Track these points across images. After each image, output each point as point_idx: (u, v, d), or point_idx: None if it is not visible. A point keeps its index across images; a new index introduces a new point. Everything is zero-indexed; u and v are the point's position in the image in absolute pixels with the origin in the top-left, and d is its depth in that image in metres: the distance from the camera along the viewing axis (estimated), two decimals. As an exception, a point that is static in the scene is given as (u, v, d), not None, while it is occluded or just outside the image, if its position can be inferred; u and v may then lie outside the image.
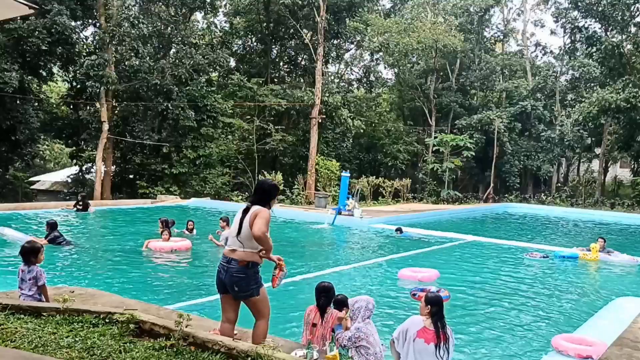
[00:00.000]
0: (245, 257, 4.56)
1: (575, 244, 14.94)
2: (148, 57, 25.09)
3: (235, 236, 4.62)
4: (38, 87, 26.47)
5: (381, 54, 37.05)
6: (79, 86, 26.58)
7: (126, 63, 24.94)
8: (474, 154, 32.04)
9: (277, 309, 7.38)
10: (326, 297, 5.27)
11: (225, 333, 4.62)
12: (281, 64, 37.37)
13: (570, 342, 6.02)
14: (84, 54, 25.51)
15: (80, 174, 29.04)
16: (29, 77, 22.99)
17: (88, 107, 27.37)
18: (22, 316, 4.65)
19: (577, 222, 24.32)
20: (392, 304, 8.38)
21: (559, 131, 34.36)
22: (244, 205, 4.80)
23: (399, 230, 16.09)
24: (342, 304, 5.52)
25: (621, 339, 5.60)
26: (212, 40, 32.25)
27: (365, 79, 42.68)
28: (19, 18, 19.63)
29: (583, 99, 32.56)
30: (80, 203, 17.64)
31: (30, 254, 5.77)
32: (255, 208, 4.62)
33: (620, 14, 30.01)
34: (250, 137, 29.79)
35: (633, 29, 30.75)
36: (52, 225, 11.72)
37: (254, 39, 35.41)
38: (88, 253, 11.45)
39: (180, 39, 26.38)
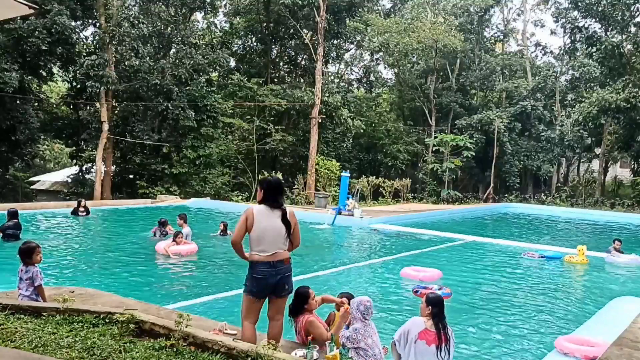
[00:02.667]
0: (287, 256, 4.80)
1: (572, 244, 14.76)
2: (148, 57, 25.09)
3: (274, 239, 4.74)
4: (38, 87, 26.48)
5: (381, 54, 37.07)
6: (79, 86, 26.59)
7: (126, 63, 24.94)
8: (474, 154, 32.03)
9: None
10: (294, 302, 5.23)
11: (253, 336, 4.72)
12: (281, 64, 37.38)
13: (573, 343, 6.00)
14: (84, 54, 25.53)
15: (80, 174, 29.04)
16: (29, 77, 22.98)
17: (88, 107, 27.38)
18: (22, 316, 4.65)
19: (577, 222, 24.32)
20: (394, 303, 8.39)
21: (559, 131, 34.36)
22: (262, 207, 4.76)
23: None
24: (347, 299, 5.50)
25: (621, 339, 5.60)
26: (212, 40, 32.24)
27: (365, 79, 42.70)
28: (19, 18, 19.66)
29: (583, 99, 32.58)
30: (83, 208, 16.83)
31: (24, 254, 5.78)
32: (289, 210, 4.83)
33: (620, 14, 30.00)
34: (250, 137, 29.79)
35: (633, 29, 30.74)
36: (11, 214, 11.56)
37: (254, 39, 35.40)
38: (88, 253, 11.45)
39: (180, 39, 26.38)
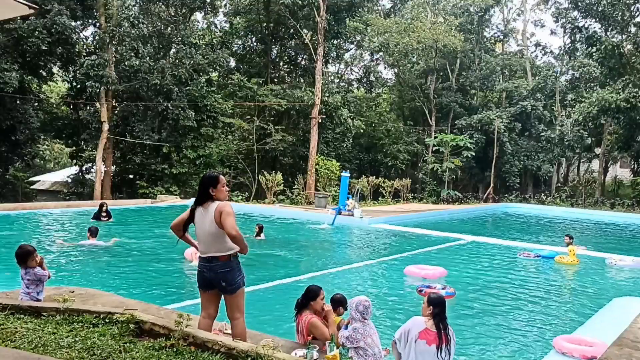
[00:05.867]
0: (223, 254, 4.65)
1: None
2: (148, 57, 25.09)
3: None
4: (38, 87, 26.48)
5: (381, 54, 37.08)
6: (79, 86, 26.58)
7: (126, 63, 24.94)
8: (474, 154, 32.03)
9: (278, 310, 7.40)
10: (302, 299, 5.21)
11: (206, 329, 4.69)
12: (281, 64, 37.37)
13: (571, 342, 6.01)
14: (84, 54, 25.54)
15: (80, 174, 29.05)
16: (29, 77, 22.99)
17: (88, 107, 27.38)
18: (22, 316, 4.65)
19: (577, 222, 24.32)
20: (397, 302, 8.39)
21: (559, 131, 34.35)
22: (198, 207, 4.75)
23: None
24: (338, 303, 5.47)
25: (621, 339, 5.59)
26: (212, 40, 32.24)
27: (365, 79, 42.72)
28: (19, 18, 19.66)
29: (583, 99, 32.58)
30: (105, 213, 15.71)
31: (19, 258, 5.77)
32: (218, 204, 4.60)
33: (620, 14, 30.01)
34: (250, 137, 29.78)
35: (633, 29, 30.75)
36: None
37: (254, 39, 35.40)
38: (88, 253, 11.43)
39: (180, 39, 26.37)
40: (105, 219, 15.70)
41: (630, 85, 28.38)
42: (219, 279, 4.59)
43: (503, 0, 39.08)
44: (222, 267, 4.58)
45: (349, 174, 21.04)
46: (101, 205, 15.96)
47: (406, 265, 10.65)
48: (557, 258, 12.44)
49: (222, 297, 4.75)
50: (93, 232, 11.91)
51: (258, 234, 13.57)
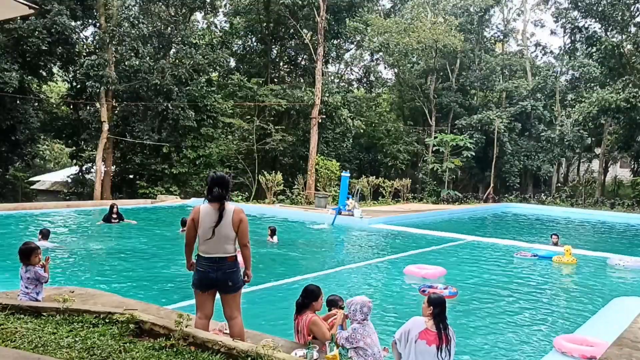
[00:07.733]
0: (231, 254, 4.80)
1: (571, 243, 14.62)
2: (148, 57, 25.09)
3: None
4: (38, 87, 26.49)
5: (381, 54, 37.07)
6: (79, 86, 26.58)
7: (126, 63, 24.93)
8: (474, 154, 32.02)
9: (278, 310, 7.40)
10: (302, 299, 5.22)
11: (203, 329, 4.71)
12: (281, 64, 37.36)
13: (572, 342, 6.01)
14: (84, 54, 25.55)
15: (80, 174, 29.04)
16: (29, 77, 22.97)
17: (88, 107, 27.38)
18: (22, 316, 4.65)
19: (576, 222, 24.31)
20: (397, 302, 8.39)
21: (559, 131, 34.34)
22: (206, 206, 4.79)
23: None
24: (331, 304, 5.47)
25: (621, 339, 5.59)
26: (212, 40, 32.22)
27: (365, 79, 42.71)
28: (19, 18, 19.67)
29: (583, 99, 32.56)
30: (115, 215, 15.11)
31: (23, 255, 5.79)
32: (232, 207, 4.82)
33: (620, 14, 30.00)
34: (250, 137, 29.77)
35: (633, 29, 30.73)
36: None
37: (254, 39, 35.39)
38: (88, 253, 11.44)
39: (180, 39, 26.37)
40: (115, 220, 15.10)
41: (630, 85, 28.38)
42: (226, 279, 4.69)
43: (503, 0, 39.08)
44: (230, 267, 4.72)
45: (349, 174, 21.03)
46: (111, 207, 15.24)
47: (406, 265, 10.66)
48: (555, 258, 12.41)
49: (219, 296, 4.79)
50: (44, 235, 11.32)
51: (271, 236, 13.42)
